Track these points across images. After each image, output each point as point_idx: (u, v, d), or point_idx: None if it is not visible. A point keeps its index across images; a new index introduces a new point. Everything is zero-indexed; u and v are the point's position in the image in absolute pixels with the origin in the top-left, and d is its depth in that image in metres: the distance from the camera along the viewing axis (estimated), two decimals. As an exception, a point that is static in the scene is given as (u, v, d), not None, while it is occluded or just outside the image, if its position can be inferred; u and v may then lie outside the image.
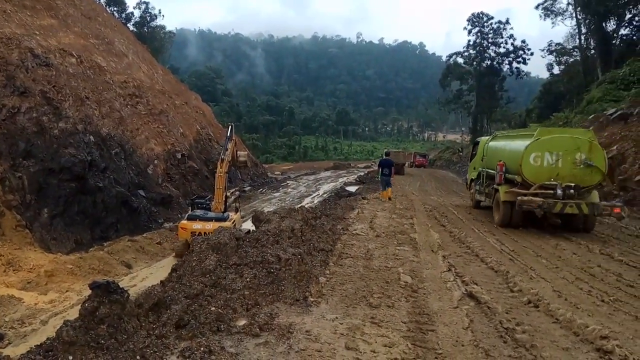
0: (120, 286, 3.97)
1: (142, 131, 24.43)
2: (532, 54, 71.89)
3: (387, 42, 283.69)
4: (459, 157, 60.26)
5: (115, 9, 58.94)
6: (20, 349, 6.83)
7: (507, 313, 5.04)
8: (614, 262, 7.98)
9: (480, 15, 74.82)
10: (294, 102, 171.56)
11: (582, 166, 10.98)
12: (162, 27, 71.29)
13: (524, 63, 72.62)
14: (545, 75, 69.56)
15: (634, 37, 41.77)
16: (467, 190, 17.98)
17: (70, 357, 3.36)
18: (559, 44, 56.86)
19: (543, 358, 3.93)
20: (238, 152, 18.87)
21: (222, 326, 4.19)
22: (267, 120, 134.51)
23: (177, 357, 3.57)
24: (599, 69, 41.56)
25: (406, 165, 44.11)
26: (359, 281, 6.07)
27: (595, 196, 11.38)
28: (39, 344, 3.66)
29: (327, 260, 6.97)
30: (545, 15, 51.91)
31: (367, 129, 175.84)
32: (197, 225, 14.19)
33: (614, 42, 43.02)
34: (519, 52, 72.31)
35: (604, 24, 42.86)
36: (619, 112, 22.60)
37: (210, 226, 13.82)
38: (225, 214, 15.41)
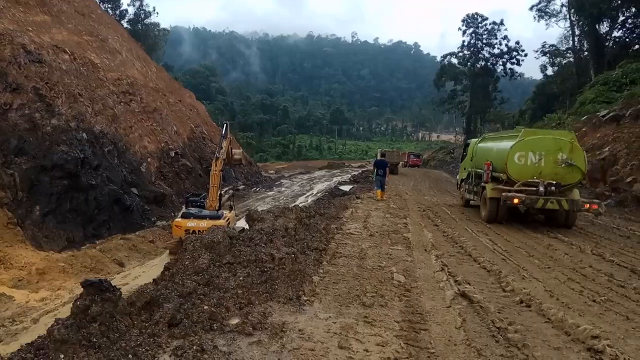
0: (113, 284, 3.95)
1: (135, 129, 24.29)
2: (526, 55, 72.35)
3: (381, 42, 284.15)
4: (451, 158, 60.56)
5: (109, 5, 58.57)
6: (11, 347, 6.77)
7: (499, 312, 5.07)
8: (605, 262, 8.05)
9: (475, 16, 75.19)
10: (289, 101, 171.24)
11: (563, 165, 11.77)
12: (157, 25, 70.90)
13: (518, 64, 73.07)
14: (538, 76, 70.08)
15: (627, 39, 42.12)
16: (458, 190, 18.53)
17: (62, 356, 3.34)
18: (552, 45, 57.24)
19: (535, 357, 3.95)
20: (233, 150, 18.84)
21: (214, 325, 4.18)
22: (261, 119, 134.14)
23: (170, 356, 3.56)
24: (592, 70, 41.86)
25: (400, 165, 44.17)
26: (353, 280, 6.08)
27: (576, 194, 12.10)
28: (30, 342, 3.64)
29: (320, 259, 6.98)
30: (539, 16, 52.27)
31: (361, 128, 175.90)
32: (191, 223, 14.15)
33: (607, 44, 43.36)
34: (513, 53, 72.74)
35: (597, 26, 43.17)
36: (611, 114, 22.79)
37: (204, 224, 13.79)
38: (220, 212, 15.36)
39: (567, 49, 53.26)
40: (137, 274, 12.77)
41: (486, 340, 4.30)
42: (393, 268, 6.82)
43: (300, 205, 16.02)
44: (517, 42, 73.12)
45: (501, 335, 4.38)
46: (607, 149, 20.06)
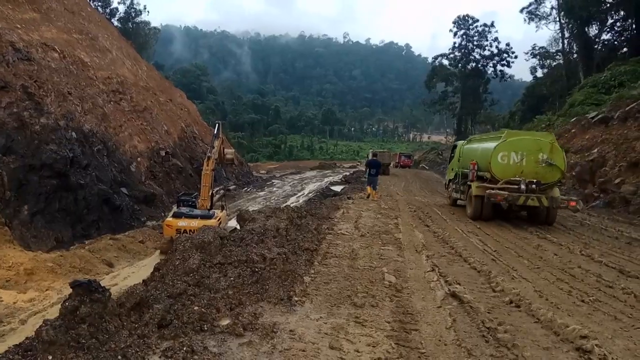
0: (102, 285, 3.92)
1: (125, 128, 24.12)
2: (516, 57, 73.02)
3: (373, 42, 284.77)
4: (440, 159, 60.94)
5: (100, 3, 58.11)
6: (-2, 349, 6.69)
7: (489, 313, 5.10)
8: (594, 263, 8.12)
9: (466, 17, 75.68)
10: (280, 101, 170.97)
11: (543, 165, 12.45)
12: (147, 23, 70.48)
13: (508, 66, 73.71)
14: (528, 78, 70.55)
15: (615, 43, 42.61)
16: (446, 190, 19.12)
17: (50, 357, 3.31)
18: (542, 47, 57.76)
19: (524, 357, 3.97)
20: (225, 150, 18.86)
21: (205, 326, 4.16)
22: (252, 118, 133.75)
23: (159, 357, 3.53)
24: (581, 72, 42.29)
25: (391, 165, 44.30)
26: (344, 281, 6.08)
27: (556, 191, 12.71)
28: (18, 343, 3.59)
29: (312, 259, 6.97)
30: (529, 19, 52.70)
31: (353, 129, 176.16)
32: (183, 223, 14.09)
33: (596, 46, 43.85)
34: (504, 55, 73.32)
35: (586, 29, 43.64)
36: (600, 116, 23.03)
37: (195, 223, 13.75)
38: (211, 212, 15.33)
39: (557, 51, 53.75)
40: (127, 275, 12.67)
41: (476, 341, 4.32)
42: (384, 268, 6.84)
43: (291, 205, 16.03)
44: (508, 44, 73.80)
45: (491, 336, 4.40)
46: (595, 150, 20.27)
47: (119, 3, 67.77)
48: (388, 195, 20.55)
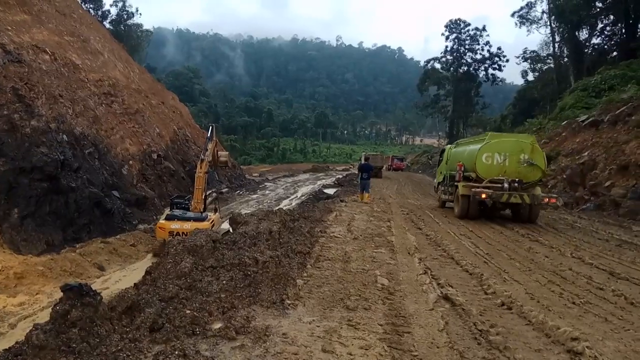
0: (93, 289, 3.89)
1: (116, 131, 23.98)
2: (507, 60, 73.59)
3: (366, 46, 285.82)
4: (430, 162, 61.25)
5: (91, 6, 57.90)
6: (-13, 354, 6.61)
7: (481, 315, 5.11)
8: (585, 265, 8.17)
9: (458, 22, 76.18)
10: (273, 103, 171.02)
11: (525, 165, 13.27)
12: (139, 26, 70.39)
13: (500, 69, 74.26)
14: (520, 81, 71.26)
15: (606, 47, 43.07)
16: (436, 193, 19.63)
17: (40, 362, 3.27)
18: (533, 51, 58.33)
19: (516, 359, 3.99)
20: (219, 153, 18.85)
21: (197, 329, 4.14)
22: (245, 121, 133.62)
23: (151, 361, 3.51)
24: (572, 76, 42.70)
25: (384, 168, 44.40)
26: (336, 284, 6.07)
27: (537, 190, 13.50)
28: (7, 348, 3.55)
29: (304, 262, 6.96)
30: (520, 23, 53.19)
31: (345, 132, 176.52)
32: (175, 225, 14.03)
33: (586, 50, 44.29)
34: (495, 58, 73.88)
35: (577, 33, 44.10)
36: (590, 119, 23.26)
37: (188, 226, 13.69)
38: (204, 214, 15.27)
39: (548, 55, 54.29)
40: (118, 278, 12.58)
41: (468, 343, 4.33)
42: (377, 271, 6.84)
43: (284, 208, 16.02)
44: (499, 48, 74.41)
45: (483, 338, 4.41)
46: (586, 153, 20.45)
47: (111, 5, 67.69)
48: (381, 198, 20.60)
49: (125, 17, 65.22)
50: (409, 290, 6.07)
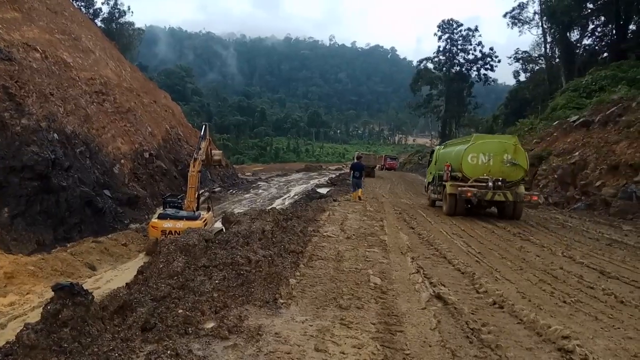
0: (84, 288, 3.86)
1: (108, 129, 23.83)
2: (499, 61, 73.96)
3: (359, 45, 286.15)
4: (422, 162, 61.48)
5: (83, 4, 57.43)
6: (-24, 354, 6.54)
7: (473, 314, 5.14)
8: (576, 264, 8.23)
9: (450, 22, 76.43)
10: (266, 103, 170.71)
11: (508, 164, 13.97)
12: (131, 24, 69.93)
13: (492, 70, 74.57)
14: (511, 82, 71.61)
15: (596, 47, 43.39)
16: (426, 192, 20.17)
17: (30, 362, 3.25)
18: (525, 52, 58.65)
19: (507, 358, 4.01)
20: (212, 151, 18.82)
21: (189, 329, 4.12)
22: (238, 120, 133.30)
23: (143, 361, 3.49)
24: (563, 77, 42.97)
25: (377, 168, 44.48)
26: (329, 283, 6.07)
27: (521, 188, 14.17)
28: (-3, 348, 3.52)
29: (297, 262, 6.95)
30: (512, 23, 53.43)
31: (338, 131, 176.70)
32: (168, 224, 13.98)
33: (577, 51, 44.58)
34: (487, 59, 74.17)
35: (568, 34, 44.38)
36: (581, 120, 23.41)
37: (181, 225, 13.64)
38: (197, 213, 15.22)
39: (539, 55, 54.63)
40: (110, 278, 12.50)
41: (460, 342, 4.35)
42: (369, 270, 6.85)
43: (277, 207, 16.00)
44: (491, 48, 74.73)
45: (475, 337, 4.43)
46: (577, 153, 20.58)
47: (102, 3, 67.08)
48: (374, 197, 20.63)
49: (117, 15, 64.82)
50: (401, 289, 6.08)
